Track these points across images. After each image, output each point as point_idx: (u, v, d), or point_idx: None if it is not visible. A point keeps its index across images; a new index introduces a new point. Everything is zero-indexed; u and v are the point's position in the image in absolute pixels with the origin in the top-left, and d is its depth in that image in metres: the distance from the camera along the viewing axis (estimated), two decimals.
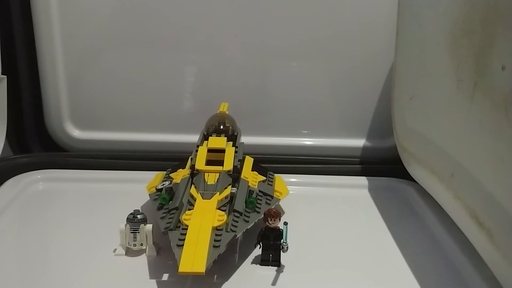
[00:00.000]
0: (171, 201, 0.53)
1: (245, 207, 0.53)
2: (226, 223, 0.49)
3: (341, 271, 0.51)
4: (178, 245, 0.45)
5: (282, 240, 0.48)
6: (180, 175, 0.59)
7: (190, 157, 0.61)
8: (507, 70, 0.42)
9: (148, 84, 0.80)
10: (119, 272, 0.49)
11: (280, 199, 0.60)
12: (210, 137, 0.63)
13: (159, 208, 0.53)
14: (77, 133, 0.82)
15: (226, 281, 0.48)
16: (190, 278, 0.47)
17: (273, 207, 0.54)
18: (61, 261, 0.51)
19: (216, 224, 0.48)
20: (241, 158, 0.61)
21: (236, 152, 0.61)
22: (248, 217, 0.51)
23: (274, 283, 0.48)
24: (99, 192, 0.69)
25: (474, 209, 0.49)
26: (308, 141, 0.83)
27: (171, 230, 0.48)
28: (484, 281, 0.48)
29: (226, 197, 0.53)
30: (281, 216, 0.49)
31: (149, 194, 0.59)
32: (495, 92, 0.44)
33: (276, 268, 0.50)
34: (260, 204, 0.55)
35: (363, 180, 0.74)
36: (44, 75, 0.79)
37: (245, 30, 0.78)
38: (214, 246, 0.45)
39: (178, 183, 0.56)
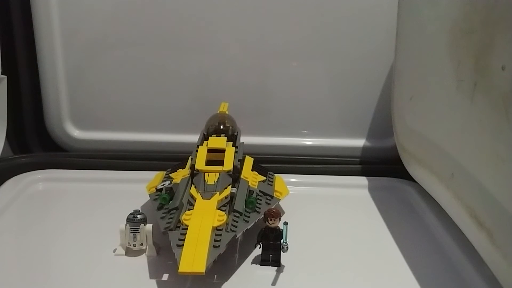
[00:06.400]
0: (171, 201, 0.53)
1: (245, 207, 0.53)
2: (226, 223, 0.49)
3: (341, 271, 0.51)
4: (178, 245, 0.45)
5: (282, 240, 0.48)
6: (180, 175, 0.59)
7: (190, 157, 0.61)
8: (507, 70, 0.42)
9: (148, 84, 0.80)
10: (119, 272, 0.49)
11: (280, 199, 0.60)
12: (210, 137, 0.63)
13: (159, 208, 0.53)
14: (77, 133, 0.82)
15: (226, 281, 0.48)
16: (190, 278, 0.47)
17: (273, 207, 0.54)
18: (61, 261, 0.51)
19: (216, 224, 0.48)
20: (241, 158, 0.61)
21: (236, 152, 0.60)
22: (248, 217, 0.51)
23: (274, 283, 0.48)
24: (99, 192, 0.69)
25: (474, 209, 0.49)
26: (308, 141, 0.83)
27: (171, 230, 0.48)
28: (484, 281, 0.48)
29: (226, 197, 0.53)
30: (281, 216, 0.49)
31: (149, 194, 0.59)
32: (495, 92, 0.44)
33: (276, 268, 0.50)
34: (260, 204, 0.55)
35: (363, 180, 0.74)
36: (44, 75, 0.79)
37: (245, 30, 0.78)
38: (214, 246, 0.45)
39: (178, 183, 0.56)
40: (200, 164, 0.58)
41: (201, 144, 0.62)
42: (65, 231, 0.57)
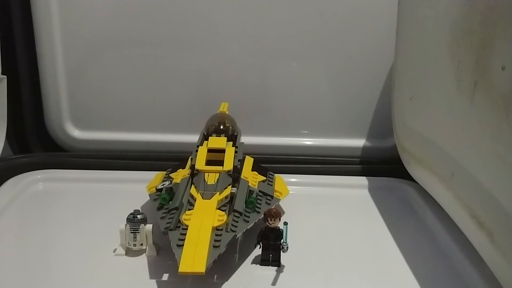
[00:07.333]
0: (171, 201, 0.53)
1: (245, 207, 0.53)
2: (226, 223, 0.49)
3: (341, 271, 0.51)
4: (178, 245, 0.45)
5: (282, 240, 0.48)
6: (180, 175, 0.59)
7: (190, 157, 0.61)
8: (507, 70, 0.42)
9: (148, 84, 0.80)
10: (119, 272, 0.49)
11: (280, 199, 0.60)
12: (210, 137, 0.63)
13: (159, 208, 0.53)
14: (77, 133, 0.82)
15: (226, 281, 0.48)
16: (190, 278, 0.47)
17: (273, 207, 0.54)
18: (61, 261, 0.51)
19: (216, 224, 0.48)
20: (241, 158, 0.61)
21: (236, 152, 0.61)
22: (248, 217, 0.51)
23: (274, 283, 0.48)
24: (99, 192, 0.69)
25: (474, 209, 0.49)
26: (308, 141, 0.83)
27: (171, 230, 0.48)
28: (484, 281, 0.48)
29: (226, 197, 0.53)
30: (281, 216, 0.49)
31: (149, 194, 0.59)
32: (495, 92, 0.44)
33: (276, 268, 0.50)
34: (260, 204, 0.55)
35: (363, 180, 0.74)
36: (44, 75, 0.79)
37: (245, 29, 0.78)
38: (214, 246, 0.45)
39: (178, 183, 0.56)
40: (200, 164, 0.58)
41: (201, 144, 0.62)
42: (65, 231, 0.57)
